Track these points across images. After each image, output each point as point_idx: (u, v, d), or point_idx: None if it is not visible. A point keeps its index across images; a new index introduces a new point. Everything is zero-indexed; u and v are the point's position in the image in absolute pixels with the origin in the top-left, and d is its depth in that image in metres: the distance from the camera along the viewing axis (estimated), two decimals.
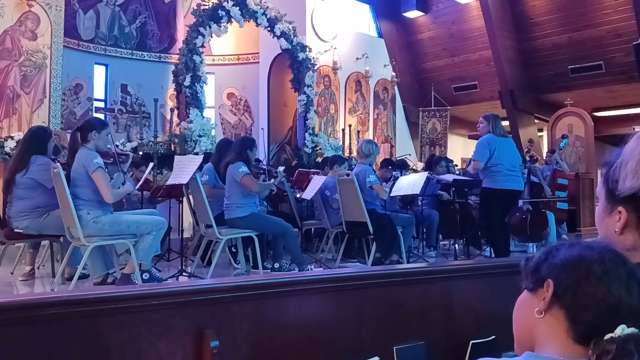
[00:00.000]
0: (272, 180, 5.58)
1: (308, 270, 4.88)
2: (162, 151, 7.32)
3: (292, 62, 9.12)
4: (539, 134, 13.60)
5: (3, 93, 7.11)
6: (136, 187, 5.62)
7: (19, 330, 1.48)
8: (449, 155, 10.33)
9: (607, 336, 0.85)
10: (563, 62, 11.55)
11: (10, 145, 6.49)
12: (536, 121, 12.91)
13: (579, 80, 11.56)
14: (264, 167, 5.91)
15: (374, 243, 5.53)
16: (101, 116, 9.41)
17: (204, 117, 7.87)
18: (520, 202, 6.87)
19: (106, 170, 4.20)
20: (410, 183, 6.00)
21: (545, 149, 11.20)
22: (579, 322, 0.90)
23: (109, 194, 4.09)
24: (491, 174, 5.41)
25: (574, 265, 0.93)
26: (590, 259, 0.92)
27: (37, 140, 4.55)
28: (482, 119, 5.70)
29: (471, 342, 2.17)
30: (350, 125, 10.29)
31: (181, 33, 10.22)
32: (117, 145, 5.22)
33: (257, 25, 8.72)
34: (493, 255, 5.90)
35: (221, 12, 8.10)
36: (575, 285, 0.91)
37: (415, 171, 8.45)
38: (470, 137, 12.09)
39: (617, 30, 10.72)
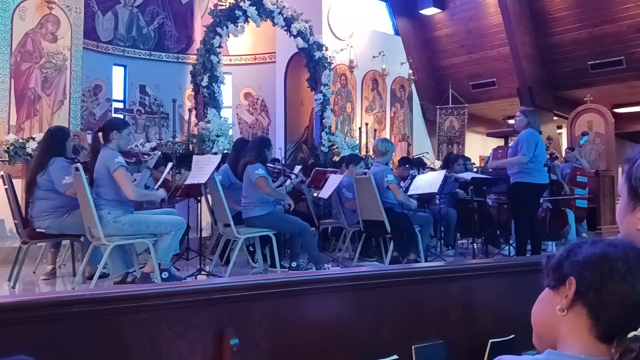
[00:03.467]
0: (289, 182, 5.59)
1: (325, 269, 4.89)
2: (181, 151, 7.37)
3: (309, 61, 9.12)
4: (558, 131, 13.45)
5: (24, 95, 7.22)
6: (155, 187, 5.67)
7: (42, 327, 1.51)
8: (467, 153, 10.26)
9: (631, 334, 0.84)
10: (582, 58, 11.41)
11: (32, 146, 6.58)
12: (555, 118, 12.77)
13: (599, 76, 11.41)
14: (279, 167, 5.92)
15: (392, 242, 5.52)
16: (120, 117, 9.52)
17: (221, 117, 7.91)
18: (541, 200, 6.80)
19: (128, 169, 4.25)
20: (428, 182, 5.97)
21: (564, 146, 11.06)
22: (602, 320, 0.89)
23: (131, 191, 4.13)
24: (529, 169, 5.37)
25: (597, 262, 0.92)
26: (614, 257, 0.91)
27: (55, 141, 4.62)
28: (519, 113, 5.62)
29: (490, 341, 2.16)
30: (367, 124, 10.26)
31: (198, 33, 10.29)
32: (136, 146, 5.27)
33: (274, 24, 8.74)
34: (513, 253, 5.85)
35: (238, 12, 8.13)
36: (598, 282, 0.90)
37: (432, 170, 8.41)
38: (488, 134, 11.95)
39: (639, 25, 10.56)
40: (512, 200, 5.73)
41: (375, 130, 10.41)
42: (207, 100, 7.88)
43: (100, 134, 4.34)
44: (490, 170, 5.95)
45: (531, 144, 5.35)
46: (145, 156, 4.63)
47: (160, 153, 4.80)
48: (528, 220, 5.50)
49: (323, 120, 9.20)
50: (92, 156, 4.31)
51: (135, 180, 4.37)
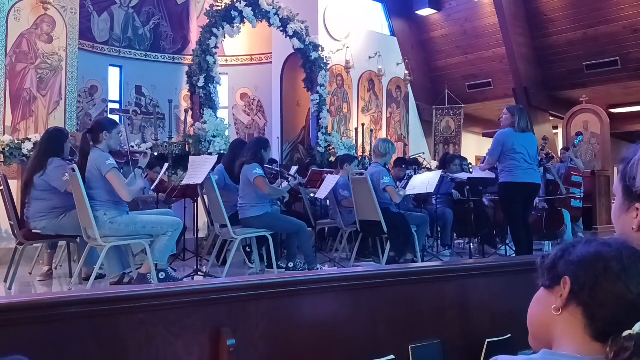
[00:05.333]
0: (286, 184, 5.59)
1: (318, 269, 4.89)
2: (177, 152, 7.37)
3: (305, 62, 9.13)
4: (554, 131, 13.48)
5: (20, 96, 7.19)
6: (151, 188, 5.67)
7: (39, 328, 1.51)
8: (463, 154, 10.28)
9: (625, 333, 0.85)
10: (578, 58, 11.43)
11: (27, 147, 6.56)
12: (551, 118, 12.80)
13: (594, 76, 11.43)
14: (277, 169, 5.92)
15: (388, 242, 5.52)
16: (116, 117, 9.49)
17: (217, 118, 7.91)
18: (537, 200, 6.80)
19: (121, 170, 4.23)
20: (424, 182, 5.97)
21: (560, 147, 11.09)
22: (597, 319, 0.90)
23: (126, 193, 4.12)
24: (508, 167, 5.29)
25: (591, 261, 0.92)
26: (608, 256, 0.92)
27: (54, 142, 4.61)
28: (506, 110, 5.53)
29: (487, 340, 2.16)
30: (363, 124, 10.27)
31: (194, 34, 10.27)
32: (132, 146, 5.24)
33: (270, 25, 8.73)
34: (510, 252, 5.86)
35: (234, 13, 8.13)
36: (592, 282, 0.91)
37: (429, 170, 8.42)
38: (484, 135, 12.01)
39: (634, 25, 10.59)
40: (500, 202, 5.74)
41: (371, 130, 10.41)
42: (204, 100, 7.88)
43: (89, 135, 4.32)
44: (487, 167, 5.92)
45: (497, 146, 5.31)
46: (137, 155, 4.57)
47: (153, 153, 4.73)
48: (520, 220, 5.44)
49: (319, 121, 9.20)
50: (81, 157, 4.27)
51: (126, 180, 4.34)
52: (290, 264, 5.07)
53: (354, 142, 9.77)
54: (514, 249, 5.83)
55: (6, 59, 7.08)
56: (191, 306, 1.69)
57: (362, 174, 5.63)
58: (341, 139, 9.55)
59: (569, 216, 7.15)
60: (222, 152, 7.12)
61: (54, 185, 4.41)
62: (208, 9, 8.40)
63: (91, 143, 4.27)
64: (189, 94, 8.48)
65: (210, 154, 7.00)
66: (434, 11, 12.68)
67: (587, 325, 0.91)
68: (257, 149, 5.10)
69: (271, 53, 10.43)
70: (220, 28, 8.06)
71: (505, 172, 5.32)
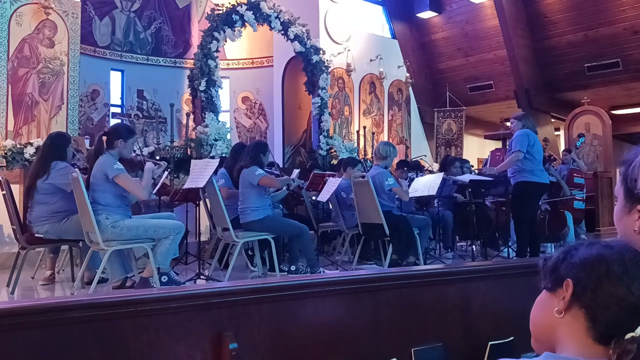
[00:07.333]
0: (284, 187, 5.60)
1: (320, 272, 4.89)
2: (179, 155, 7.38)
3: (306, 65, 9.14)
4: (556, 133, 13.47)
5: (22, 100, 7.21)
6: (153, 192, 5.68)
7: (41, 333, 1.51)
8: (465, 156, 10.27)
9: (628, 335, 0.84)
10: (579, 60, 11.43)
11: (29, 151, 6.58)
12: (553, 120, 12.80)
13: (595, 78, 11.43)
14: (276, 172, 5.92)
15: (390, 245, 5.52)
16: (119, 121, 9.51)
17: (219, 121, 7.92)
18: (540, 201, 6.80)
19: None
20: (426, 184, 5.97)
21: (562, 148, 11.08)
22: (599, 321, 0.90)
23: (141, 191, 4.14)
24: (530, 168, 5.39)
25: (593, 264, 0.92)
26: (610, 258, 0.91)
27: (56, 146, 4.62)
28: (513, 119, 5.66)
29: (489, 343, 2.16)
30: (364, 127, 10.28)
31: (196, 38, 10.30)
32: (138, 155, 5.26)
33: (271, 29, 8.75)
34: (512, 255, 5.86)
35: (235, 17, 8.15)
36: (595, 284, 0.91)
37: (431, 172, 8.41)
38: (486, 137, 11.97)
39: (634, 27, 10.59)
40: (515, 200, 5.72)
41: (373, 133, 10.41)
42: (205, 104, 7.89)
43: (105, 138, 4.34)
44: (497, 173, 5.94)
45: (523, 139, 5.37)
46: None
47: (169, 165, 4.75)
48: (531, 220, 5.52)
49: (321, 124, 9.20)
50: (94, 158, 4.30)
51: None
52: (293, 267, 5.06)
53: (355, 145, 9.77)
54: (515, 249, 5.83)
55: (8, 63, 7.10)
56: (193, 310, 1.69)
57: (363, 176, 5.62)
58: (343, 142, 9.55)
59: (572, 218, 7.14)
60: (223, 155, 7.13)
61: (60, 185, 4.40)
62: (209, 12, 8.42)
63: (104, 147, 4.28)
64: (190, 97, 8.50)
65: (212, 157, 7.01)
66: (435, 14, 12.70)
67: (589, 328, 0.91)
68: (255, 153, 5.10)
69: (272, 56, 10.45)
70: (222, 32, 8.08)
71: (528, 172, 5.40)
